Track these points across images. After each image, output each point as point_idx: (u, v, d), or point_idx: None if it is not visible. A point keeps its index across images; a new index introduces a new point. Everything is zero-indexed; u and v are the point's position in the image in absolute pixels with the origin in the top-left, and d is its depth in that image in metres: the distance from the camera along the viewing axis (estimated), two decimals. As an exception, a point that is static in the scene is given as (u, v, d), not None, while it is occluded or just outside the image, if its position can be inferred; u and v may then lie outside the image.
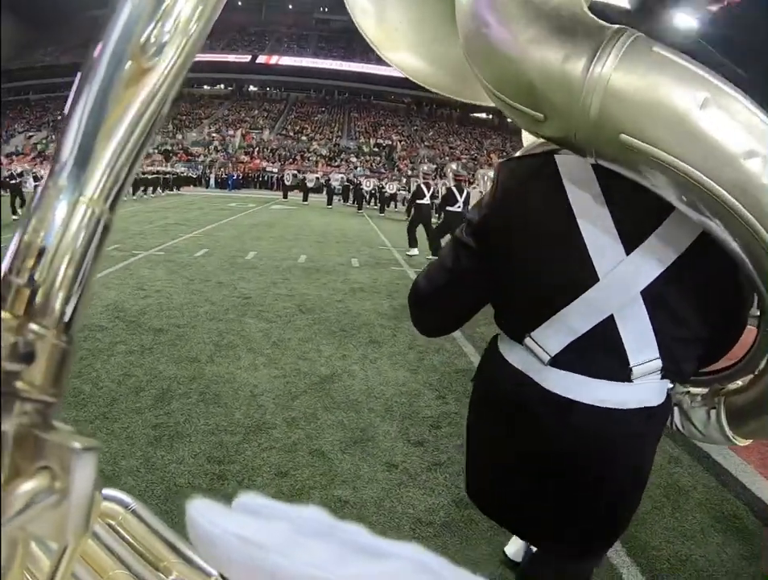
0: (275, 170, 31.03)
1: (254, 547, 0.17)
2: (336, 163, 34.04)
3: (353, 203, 20.28)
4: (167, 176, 22.91)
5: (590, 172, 0.81)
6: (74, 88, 0.23)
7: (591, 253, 0.81)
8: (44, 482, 0.20)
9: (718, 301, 0.85)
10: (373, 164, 34.55)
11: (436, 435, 2.65)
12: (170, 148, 34.09)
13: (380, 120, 43.03)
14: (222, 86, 46.49)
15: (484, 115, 41.85)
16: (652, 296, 0.81)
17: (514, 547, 1.79)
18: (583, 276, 0.82)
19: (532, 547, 1.27)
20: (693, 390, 0.98)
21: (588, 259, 0.82)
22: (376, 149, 37.66)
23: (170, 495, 2.02)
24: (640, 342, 0.84)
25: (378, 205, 19.05)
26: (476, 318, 1.04)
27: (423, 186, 9.01)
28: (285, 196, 21.93)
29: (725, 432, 0.91)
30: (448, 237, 7.56)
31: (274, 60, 45.21)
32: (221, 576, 0.47)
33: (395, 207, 19.93)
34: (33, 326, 0.21)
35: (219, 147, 35.47)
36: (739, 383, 0.92)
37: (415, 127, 42.17)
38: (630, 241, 0.80)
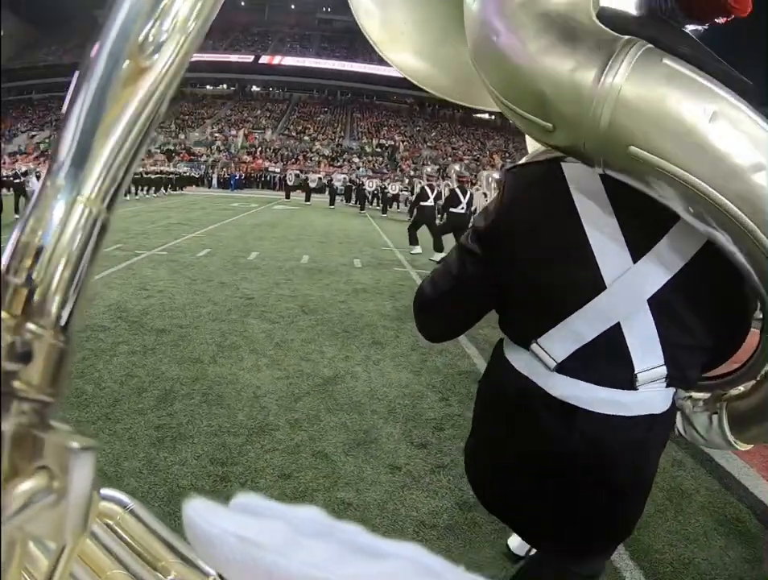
0: (278, 170, 31.09)
1: (253, 547, 0.17)
2: (339, 164, 34.06)
3: (356, 203, 20.30)
4: (170, 175, 23.01)
5: (597, 180, 0.81)
6: (72, 87, 0.23)
7: (598, 260, 0.82)
8: (42, 482, 0.20)
9: (723, 308, 0.85)
10: (376, 165, 34.56)
11: (439, 437, 2.64)
12: (172, 148, 34.18)
13: (383, 120, 43.05)
14: (225, 86, 46.62)
15: (486, 116, 41.76)
16: (659, 303, 0.81)
17: (517, 540, 1.79)
18: (590, 283, 0.82)
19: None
20: (695, 395, 0.97)
21: (596, 266, 0.82)
22: (378, 149, 37.68)
23: (173, 497, 2.01)
24: (646, 349, 0.84)
25: (381, 205, 19.09)
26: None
27: (426, 188, 9.03)
28: (287, 197, 22.00)
29: (727, 437, 0.91)
30: (449, 236, 7.51)
31: (276, 60, 45.35)
32: (219, 576, 0.47)
33: (398, 207, 19.96)
34: (30, 326, 0.21)
35: (222, 147, 35.54)
36: (741, 388, 0.92)
37: (418, 128, 42.18)
38: (637, 248, 0.80)
